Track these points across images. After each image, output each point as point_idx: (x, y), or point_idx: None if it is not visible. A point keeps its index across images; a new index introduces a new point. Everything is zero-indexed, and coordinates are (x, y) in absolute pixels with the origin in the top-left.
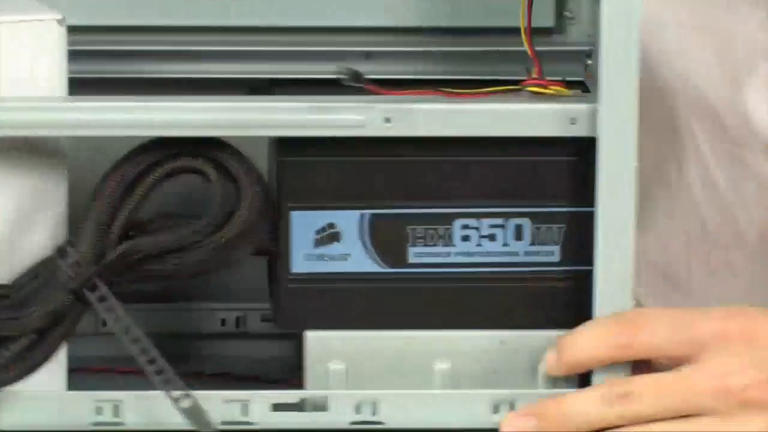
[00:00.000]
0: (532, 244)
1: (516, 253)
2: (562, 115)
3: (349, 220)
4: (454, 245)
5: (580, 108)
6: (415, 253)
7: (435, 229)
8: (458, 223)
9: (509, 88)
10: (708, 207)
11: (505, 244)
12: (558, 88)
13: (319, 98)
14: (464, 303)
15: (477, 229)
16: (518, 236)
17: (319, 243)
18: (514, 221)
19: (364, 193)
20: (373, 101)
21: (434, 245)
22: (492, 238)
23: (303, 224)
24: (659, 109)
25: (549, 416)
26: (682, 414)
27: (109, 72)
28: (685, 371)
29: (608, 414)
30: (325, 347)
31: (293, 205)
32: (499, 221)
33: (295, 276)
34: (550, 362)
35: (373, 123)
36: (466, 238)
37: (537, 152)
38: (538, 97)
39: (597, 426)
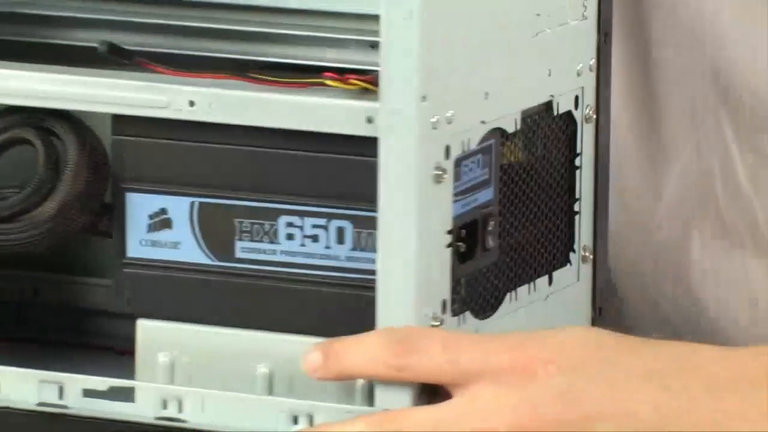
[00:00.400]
0: (354, 248)
1: (337, 257)
2: (357, 112)
3: (180, 207)
4: (279, 243)
5: (377, 106)
6: (243, 248)
7: (261, 224)
8: (283, 219)
9: (314, 80)
10: (724, 195)
11: (327, 247)
12: (358, 82)
13: (142, 75)
14: (288, 306)
15: (301, 228)
16: (340, 239)
17: (152, 228)
18: (336, 223)
19: (193, 180)
20: (181, 83)
21: (260, 241)
22: (315, 238)
23: (138, 207)
24: (682, 93)
25: None
26: None
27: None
28: (449, 405)
29: None
30: (154, 337)
31: (128, 186)
32: (321, 221)
33: (130, 261)
34: (311, 363)
35: (177, 105)
36: (290, 237)
37: (356, 150)
38: (340, 90)
39: None
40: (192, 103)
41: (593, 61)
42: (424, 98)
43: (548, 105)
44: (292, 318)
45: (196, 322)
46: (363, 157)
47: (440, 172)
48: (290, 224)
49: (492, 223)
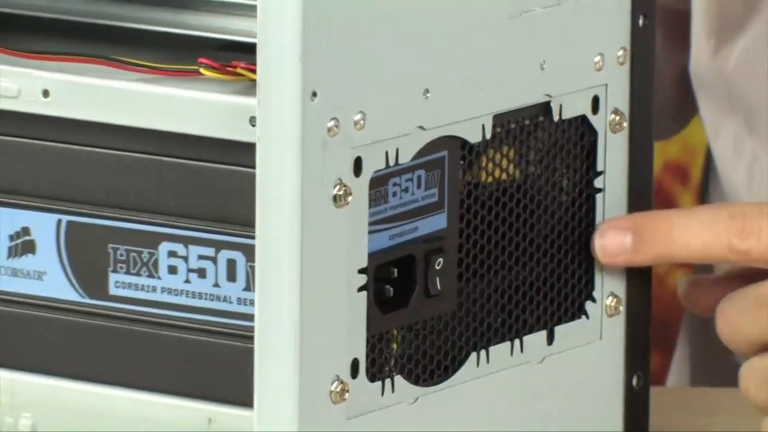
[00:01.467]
0: (247, 288)
1: (228, 299)
2: (235, 112)
3: (45, 226)
4: (160, 277)
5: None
6: (117, 283)
7: (139, 252)
8: (165, 247)
9: (188, 67)
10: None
11: (216, 285)
12: (245, 71)
13: None
14: (171, 360)
15: (185, 259)
16: (231, 275)
17: (12, 252)
18: (226, 254)
19: (60, 193)
20: (34, 67)
21: (138, 274)
22: (202, 273)
23: None
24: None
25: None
26: None
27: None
28: None
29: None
30: (13, 393)
31: None
32: (209, 251)
33: None
34: (617, 246)
35: (30, 95)
36: (173, 270)
37: (250, 161)
38: (219, 82)
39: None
40: (46, 93)
41: (623, 52)
42: (314, 95)
43: (545, 107)
44: (175, 376)
45: (62, 376)
46: (254, 169)
47: (341, 193)
48: (173, 254)
49: (440, 260)
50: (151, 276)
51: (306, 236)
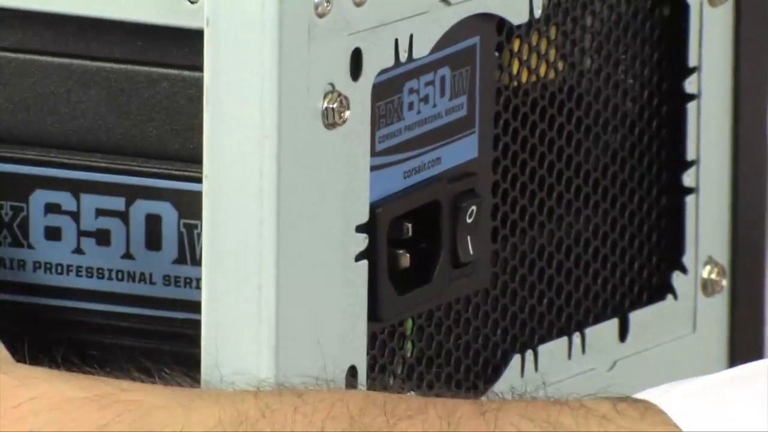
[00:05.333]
0: (180, 261)
1: (148, 278)
2: None
3: None
4: (32, 246)
5: None
6: None
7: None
8: (40, 197)
9: None
10: None
11: (127, 256)
12: None
13: None
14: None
15: (74, 215)
16: (153, 241)
17: None
18: (144, 206)
19: None
20: None
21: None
22: (103, 237)
23: None
24: None
25: None
26: None
27: None
28: None
29: None
30: None
31: None
32: (115, 203)
33: None
34: None
35: None
36: (54, 234)
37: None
38: None
39: None
40: None
41: None
42: None
43: None
44: None
45: None
46: (194, 71)
47: (334, 105)
48: (54, 208)
49: (474, 209)
50: (17, 244)
51: (284, 175)
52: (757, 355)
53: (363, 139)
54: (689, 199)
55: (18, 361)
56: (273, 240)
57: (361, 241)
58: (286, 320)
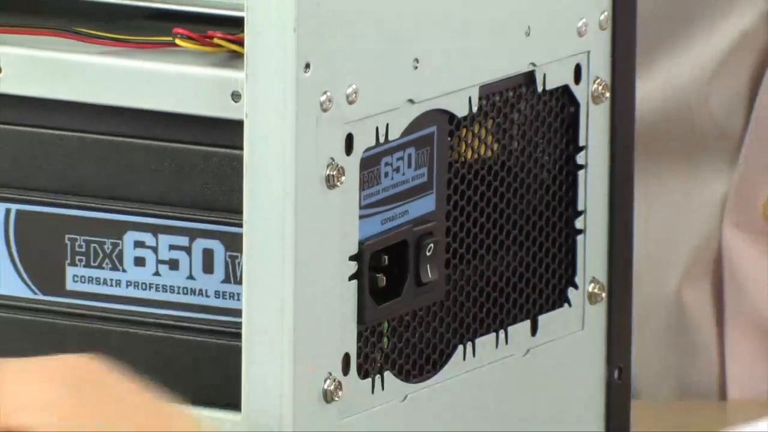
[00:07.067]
0: (226, 280)
1: (204, 292)
2: (217, 86)
3: None
4: (125, 270)
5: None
6: (75, 277)
7: (101, 242)
8: (130, 237)
9: (160, 38)
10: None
11: (190, 277)
12: (224, 42)
13: None
14: (140, 360)
15: (154, 249)
16: (207, 266)
17: None
18: (202, 243)
19: (8, 179)
20: None
21: (100, 267)
22: (174, 265)
23: None
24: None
25: None
26: None
27: None
28: None
29: None
30: None
31: None
32: (182, 240)
33: None
34: None
35: None
36: (140, 262)
37: (228, 140)
38: (197, 53)
39: None
40: None
41: (606, 15)
42: (307, 66)
43: (529, 77)
44: (141, 374)
45: None
46: (236, 150)
47: (334, 173)
48: (140, 244)
49: (432, 246)
50: (114, 269)
51: (299, 221)
52: (626, 349)
53: (354, 197)
54: (579, 237)
55: (106, 354)
56: (291, 267)
57: (353, 267)
58: (301, 321)
